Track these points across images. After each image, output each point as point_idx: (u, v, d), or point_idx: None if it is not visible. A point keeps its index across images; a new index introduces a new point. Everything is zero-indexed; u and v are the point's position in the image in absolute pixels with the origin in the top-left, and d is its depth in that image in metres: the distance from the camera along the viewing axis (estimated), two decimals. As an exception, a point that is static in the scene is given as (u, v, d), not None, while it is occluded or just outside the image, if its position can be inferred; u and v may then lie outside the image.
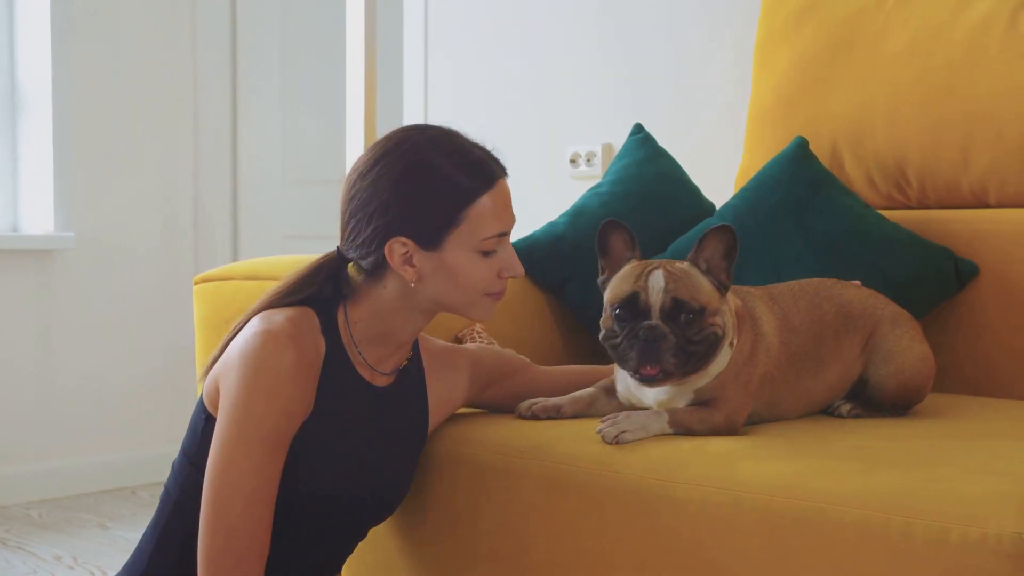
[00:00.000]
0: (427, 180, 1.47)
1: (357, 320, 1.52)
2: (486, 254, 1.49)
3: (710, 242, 1.51)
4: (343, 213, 1.51)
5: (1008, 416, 1.76)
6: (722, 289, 1.51)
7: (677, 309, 1.47)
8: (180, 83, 3.91)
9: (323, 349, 1.49)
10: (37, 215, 3.59)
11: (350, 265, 1.53)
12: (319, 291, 1.53)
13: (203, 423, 1.50)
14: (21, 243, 3.47)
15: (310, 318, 1.49)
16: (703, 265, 1.51)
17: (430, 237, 1.47)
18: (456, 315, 1.56)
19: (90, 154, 3.66)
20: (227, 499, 1.40)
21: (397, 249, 1.47)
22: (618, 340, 1.49)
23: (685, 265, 1.52)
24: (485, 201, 1.48)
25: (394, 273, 1.49)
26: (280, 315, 1.47)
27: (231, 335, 1.51)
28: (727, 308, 1.52)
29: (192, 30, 3.93)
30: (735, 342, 1.53)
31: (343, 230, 1.52)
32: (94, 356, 3.69)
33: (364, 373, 1.54)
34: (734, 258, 1.51)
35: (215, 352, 1.53)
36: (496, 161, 1.52)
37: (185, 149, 3.93)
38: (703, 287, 1.49)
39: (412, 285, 1.48)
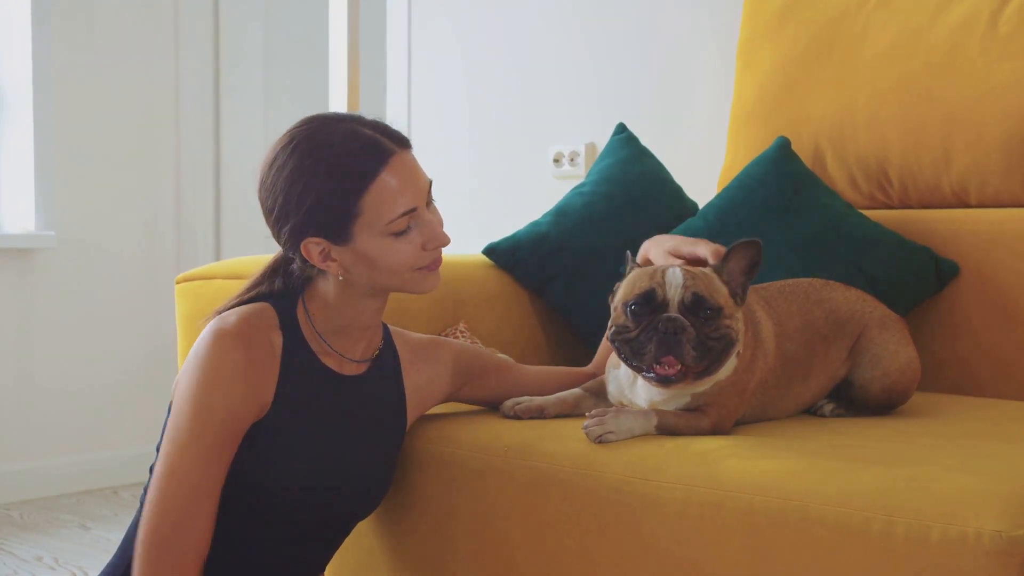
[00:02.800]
0: (317, 176, 1.43)
1: (315, 312, 1.53)
2: (400, 234, 1.46)
3: (736, 255, 1.52)
4: (265, 219, 1.51)
5: (988, 415, 1.77)
6: (738, 300, 1.52)
7: (697, 305, 1.47)
8: (162, 81, 3.89)
9: (280, 344, 1.49)
10: (18, 214, 3.57)
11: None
12: (270, 287, 1.54)
13: None
14: (1, 242, 3.45)
15: (266, 314, 1.50)
16: (725, 275, 1.52)
17: (337, 232, 1.45)
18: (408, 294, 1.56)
19: (71, 153, 3.65)
20: (170, 496, 1.41)
21: (313, 249, 1.46)
22: (633, 334, 1.48)
23: (706, 268, 1.53)
24: (383, 181, 1.43)
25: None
26: (233, 315, 1.48)
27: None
28: (740, 317, 1.53)
29: (175, 28, 3.91)
30: (741, 351, 1.53)
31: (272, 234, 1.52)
32: (75, 355, 3.67)
33: (331, 363, 1.54)
34: (754, 274, 1.52)
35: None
36: (391, 136, 1.47)
37: (167, 147, 3.92)
38: (721, 290, 1.50)
39: (340, 278, 1.48)
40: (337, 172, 1.43)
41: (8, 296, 3.51)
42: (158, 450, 1.54)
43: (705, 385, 1.51)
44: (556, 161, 3.02)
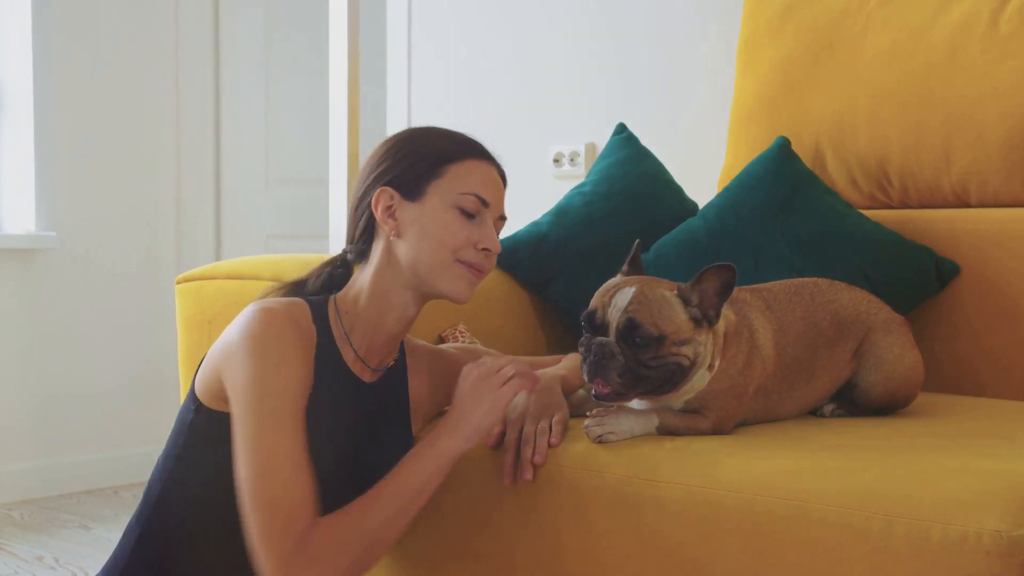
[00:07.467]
0: (416, 140, 1.56)
1: (347, 310, 1.54)
2: (465, 213, 1.51)
3: (709, 277, 1.46)
4: (356, 187, 1.59)
5: (988, 415, 1.77)
6: (705, 322, 1.48)
7: (631, 331, 1.45)
8: (163, 82, 3.89)
9: (315, 337, 1.50)
10: (19, 214, 3.58)
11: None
12: (312, 282, 1.59)
13: (192, 414, 1.50)
14: (2, 242, 3.45)
15: (302, 307, 1.51)
16: (694, 298, 1.47)
17: (412, 187, 1.52)
18: (436, 297, 1.56)
19: (72, 153, 3.65)
20: (268, 472, 1.38)
21: (383, 198, 1.52)
22: (582, 347, 1.50)
23: (667, 292, 1.48)
24: (475, 164, 1.54)
25: (379, 242, 1.54)
26: (272, 301, 1.49)
27: None
28: (706, 339, 1.48)
29: (175, 29, 3.91)
30: (716, 364, 1.51)
31: (348, 230, 1.59)
32: (76, 355, 3.67)
33: (353, 366, 1.54)
34: (727, 296, 1.47)
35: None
36: (494, 158, 1.59)
37: (168, 148, 3.92)
38: (673, 317, 1.46)
39: (392, 236, 1.52)
40: (440, 140, 1.56)
41: (9, 296, 3.51)
42: (169, 444, 1.53)
43: (681, 398, 1.51)
44: (556, 161, 3.02)
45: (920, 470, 1.28)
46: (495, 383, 1.48)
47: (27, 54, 3.53)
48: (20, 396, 3.54)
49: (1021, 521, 1.16)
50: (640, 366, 1.45)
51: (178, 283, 2.00)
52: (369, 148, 1.66)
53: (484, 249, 1.53)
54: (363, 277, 1.56)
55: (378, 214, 1.53)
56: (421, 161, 1.53)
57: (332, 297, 1.56)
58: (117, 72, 3.76)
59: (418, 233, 1.51)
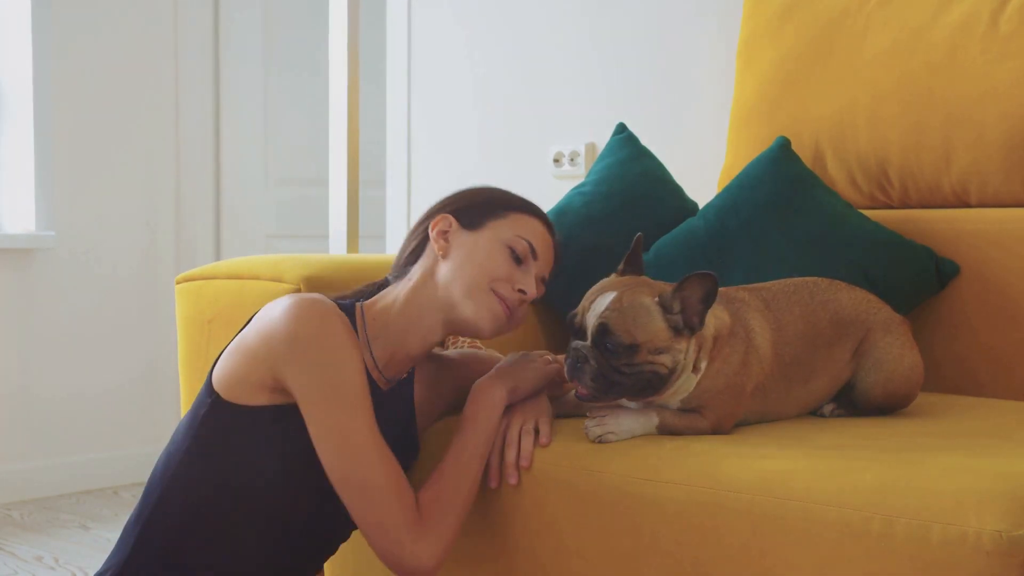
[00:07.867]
0: (487, 188, 1.67)
1: (373, 318, 1.57)
2: (514, 255, 1.57)
3: (691, 285, 1.45)
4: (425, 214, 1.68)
5: (988, 415, 1.77)
6: (686, 330, 1.47)
7: (602, 337, 1.45)
8: (162, 82, 3.89)
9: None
10: (18, 214, 3.58)
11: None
12: (345, 295, 1.64)
13: (206, 407, 1.49)
14: (2, 242, 3.45)
15: (333, 303, 1.52)
16: (676, 305, 1.46)
17: (472, 218, 1.60)
18: (460, 327, 1.57)
19: (72, 153, 3.65)
20: (358, 457, 1.42)
21: (441, 224, 1.60)
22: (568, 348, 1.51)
23: (647, 299, 1.47)
24: (534, 222, 1.61)
25: (423, 262, 1.59)
26: (310, 294, 1.50)
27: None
28: (686, 347, 1.48)
29: (174, 29, 3.91)
30: (703, 367, 1.51)
31: (398, 255, 1.67)
32: (75, 355, 3.67)
33: (371, 372, 1.55)
34: (711, 304, 1.46)
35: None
36: (556, 233, 1.67)
37: (167, 148, 3.92)
38: (649, 325, 1.45)
39: (439, 255, 1.57)
40: (512, 195, 1.66)
41: (8, 296, 3.51)
42: (176, 439, 1.52)
43: (672, 400, 1.51)
44: (556, 161, 3.01)
45: (920, 470, 1.28)
46: (542, 362, 1.64)
47: (27, 54, 3.52)
48: (19, 396, 3.54)
49: (1021, 521, 1.16)
50: (613, 372, 1.45)
51: (178, 283, 1.99)
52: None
53: (520, 291, 1.56)
54: (397, 290, 1.59)
55: (432, 235, 1.59)
56: (487, 202, 1.62)
57: (360, 303, 1.59)
58: (117, 72, 3.76)
59: (463, 256, 1.56)
